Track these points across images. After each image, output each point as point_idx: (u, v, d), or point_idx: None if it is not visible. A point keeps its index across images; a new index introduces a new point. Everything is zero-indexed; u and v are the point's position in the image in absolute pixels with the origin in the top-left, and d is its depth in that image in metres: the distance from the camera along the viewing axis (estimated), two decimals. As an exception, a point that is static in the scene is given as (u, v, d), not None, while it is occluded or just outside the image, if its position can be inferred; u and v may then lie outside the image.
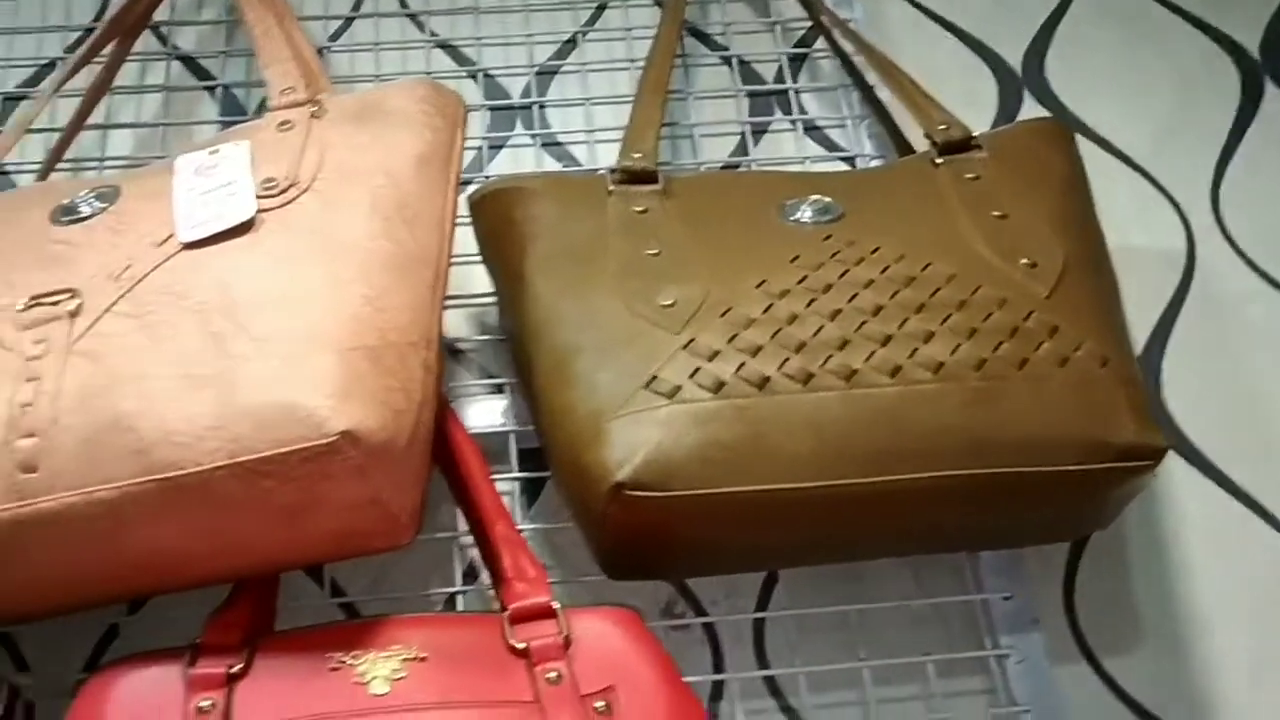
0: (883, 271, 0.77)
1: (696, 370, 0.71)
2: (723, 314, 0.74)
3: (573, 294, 0.78)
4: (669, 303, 0.75)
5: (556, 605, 0.68)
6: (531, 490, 0.89)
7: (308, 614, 0.81)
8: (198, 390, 0.64)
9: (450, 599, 0.84)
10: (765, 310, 0.75)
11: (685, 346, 0.73)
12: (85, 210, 0.76)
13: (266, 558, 0.67)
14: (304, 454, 0.62)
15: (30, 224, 0.76)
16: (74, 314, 0.68)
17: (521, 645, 0.66)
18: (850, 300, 0.75)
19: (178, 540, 0.65)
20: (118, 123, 1.05)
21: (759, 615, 0.85)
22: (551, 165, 1.04)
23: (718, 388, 0.71)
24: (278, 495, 0.63)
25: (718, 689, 0.83)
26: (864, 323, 0.74)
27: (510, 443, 0.87)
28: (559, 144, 1.06)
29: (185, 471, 0.63)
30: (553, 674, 0.65)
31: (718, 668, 0.84)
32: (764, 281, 0.76)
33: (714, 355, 0.72)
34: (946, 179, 0.85)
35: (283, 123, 0.78)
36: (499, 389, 0.91)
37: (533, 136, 1.06)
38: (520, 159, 1.05)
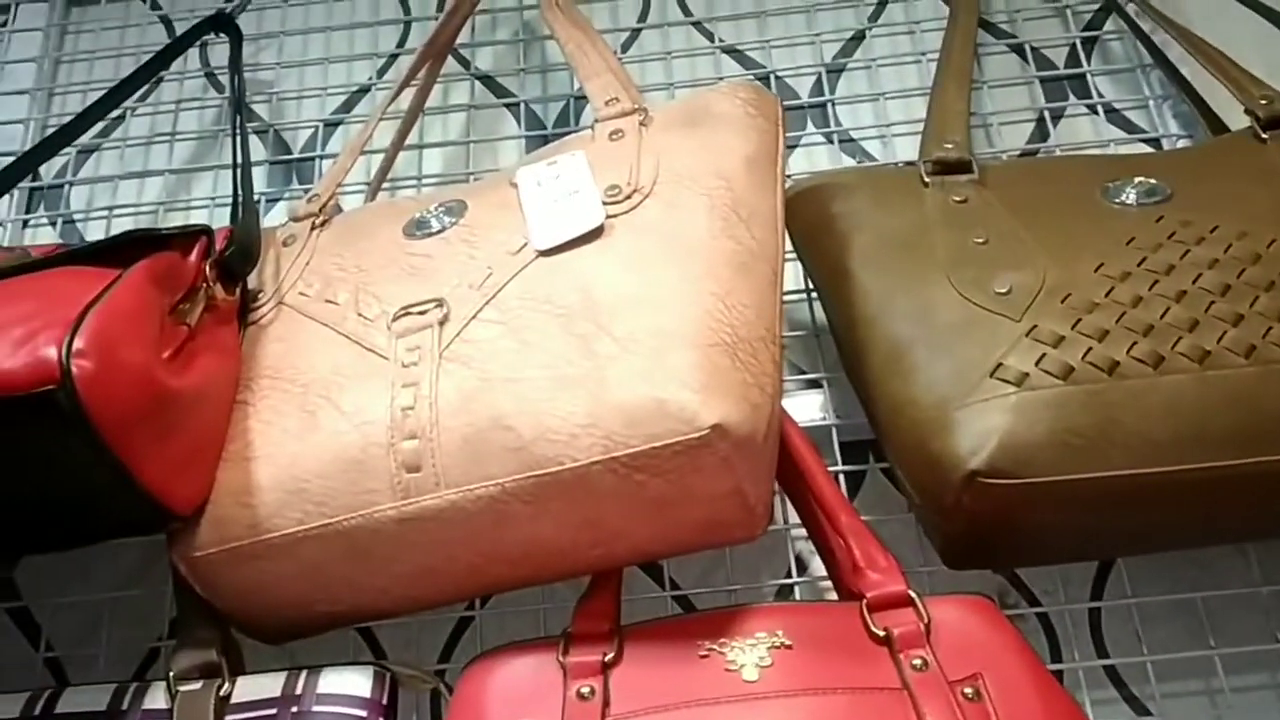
0: (1226, 250, 0.75)
1: (1042, 356, 0.71)
2: (1063, 299, 0.74)
3: (902, 286, 0.78)
4: (1005, 290, 0.75)
5: (914, 593, 0.69)
6: (852, 484, 0.90)
7: (642, 606, 0.83)
8: (568, 389, 0.67)
9: (781, 590, 0.86)
10: (1107, 294, 0.74)
11: (1028, 333, 0.72)
12: (436, 225, 0.80)
13: (634, 549, 0.70)
14: (676, 448, 0.64)
15: (385, 239, 0.81)
16: (442, 322, 0.72)
17: (882, 632, 0.67)
18: (1195, 281, 0.74)
19: (552, 534, 0.68)
20: (429, 142, 1.10)
21: (1098, 604, 0.84)
22: (847, 162, 1.05)
23: (1066, 373, 0.70)
24: (650, 488, 0.66)
25: (1057, 679, 0.82)
26: (1212, 303, 0.73)
27: (832, 436, 0.88)
28: (852, 140, 1.07)
29: (563, 467, 0.66)
30: (918, 660, 0.66)
31: (1055, 658, 0.84)
32: (1101, 265, 0.76)
33: (1059, 341, 0.72)
34: (1277, 154, 0.83)
35: (614, 132, 0.81)
36: (814, 384, 0.92)
37: (826, 135, 1.07)
38: (814, 157, 1.07)
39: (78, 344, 0.62)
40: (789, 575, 0.86)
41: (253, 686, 0.70)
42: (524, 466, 0.66)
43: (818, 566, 0.85)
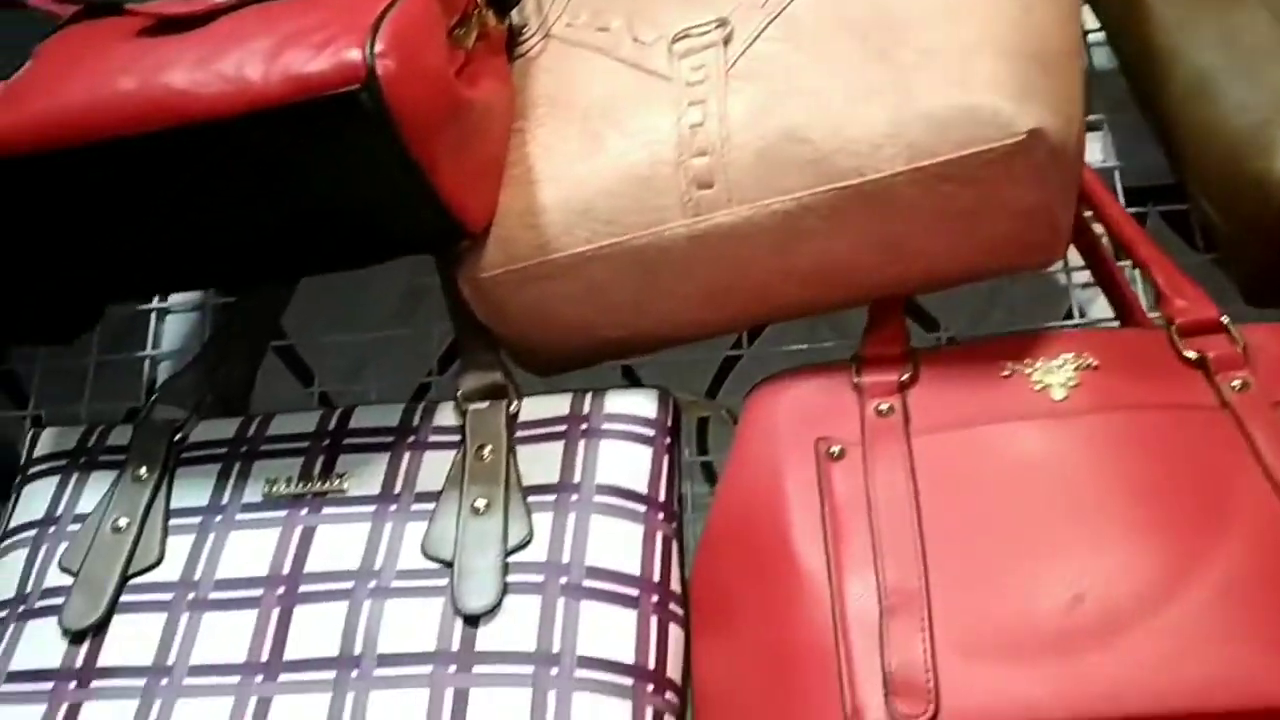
0: None
1: (1377, 71, 0.66)
2: (1398, 13, 0.69)
3: (1204, 13, 0.74)
4: (1325, 7, 0.70)
5: (1225, 318, 0.66)
6: (1133, 230, 0.86)
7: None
8: (869, 100, 0.64)
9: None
10: None
11: (1358, 48, 0.68)
12: (707, -51, 0.77)
13: (929, 270, 0.67)
14: (988, 155, 0.61)
15: (654, -33, 0.78)
16: (726, 41, 0.70)
17: (1194, 355, 0.64)
18: None
19: (847, 251, 0.66)
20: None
21: None
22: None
23: (1403, 88, 0.66)
24: (956, 200, 0.63)
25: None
26: None
27: (1115, 179, 0.84)
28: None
29: (865, 179, 0.63)
30: (1237, 382, 0.63)
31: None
32: None
33: (1394, 55, 0.67)
34: None
35: None
36: (1093, 126, 0.87)
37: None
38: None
39: (379, 45, 0.61)
40: (1069, 317, 0.83)
41: (539, 406, 0.70)
42: (822, 179, 0.64)
43: (1097, 312, 0.82)
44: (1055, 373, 0.64)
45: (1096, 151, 0.86)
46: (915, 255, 0.66)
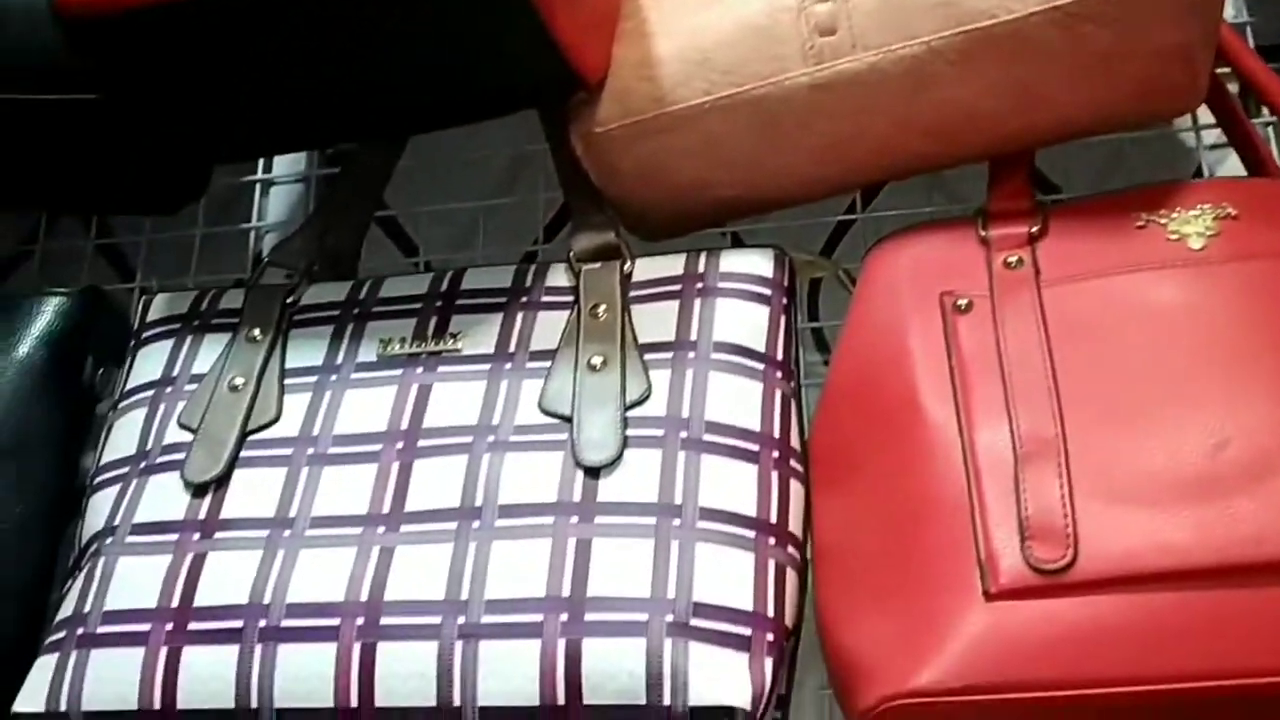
0: None
1: None
2: None
3: None
4: None
5: (1368, 170, 0.63)
6: (1259, 91, 0.82)
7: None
8: (1002, -63, 0.62)
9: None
10: None
11: None
12: None
13: (1058, 120, 0.65)
14: (1132, -9, 0.59)
15: None
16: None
17: (1339, 205, 0.62)
18: None
19: (976, 100, 0.64)
20: None
21: None
22: None
23: None
24: (1093, 41, 0.61)
25: None
26: None
27: (1246, 35, 0.81)
28: None
29: (997, 20, 0.61)
30: (1387, 231, 0.60)
31: None
32: None
33: None
34: None
35: None
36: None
37: None
38: None
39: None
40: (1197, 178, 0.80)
41: (653, 266, 0.69)
42: (953, 22, 0.62)
43: (1225, 174, 0.79)
44: (1192, 222, 0.62)
45: (1228, 7, 0.82)
46: (1045, 103, 0.64)
